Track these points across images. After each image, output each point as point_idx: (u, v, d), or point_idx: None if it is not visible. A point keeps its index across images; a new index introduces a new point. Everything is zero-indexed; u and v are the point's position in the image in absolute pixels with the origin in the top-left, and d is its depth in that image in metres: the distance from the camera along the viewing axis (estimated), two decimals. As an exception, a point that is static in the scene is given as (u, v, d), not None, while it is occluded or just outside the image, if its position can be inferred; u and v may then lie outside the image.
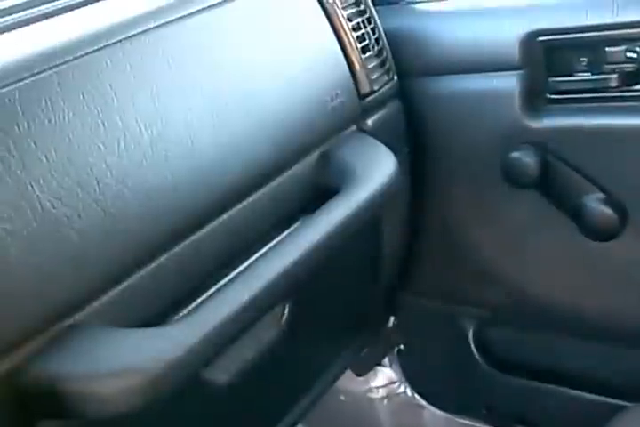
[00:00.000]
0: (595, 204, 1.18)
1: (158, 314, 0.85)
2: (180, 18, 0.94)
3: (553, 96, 1.20)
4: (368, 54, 1.18)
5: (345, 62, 1.14)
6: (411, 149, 1.28)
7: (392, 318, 1.45)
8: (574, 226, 1.20)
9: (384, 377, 1.54)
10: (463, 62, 1.23)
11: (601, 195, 1.18)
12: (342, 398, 1.56)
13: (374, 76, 1.19)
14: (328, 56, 1.13)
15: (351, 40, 1.16)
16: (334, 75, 1.12)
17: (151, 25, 0.90)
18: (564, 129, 1.18)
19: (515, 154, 1.20)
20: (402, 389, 1.53)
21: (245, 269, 0.91)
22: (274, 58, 1.04)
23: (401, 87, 1.25)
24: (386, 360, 1.52)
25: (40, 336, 0.74)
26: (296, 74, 1.07)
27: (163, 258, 0.86)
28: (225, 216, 0.94)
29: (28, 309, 0.73)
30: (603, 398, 1.29)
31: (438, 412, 1.49)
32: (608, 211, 1.17)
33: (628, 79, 1.15)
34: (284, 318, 1.10)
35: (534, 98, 1.20)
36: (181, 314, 0.87)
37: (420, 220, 1.33)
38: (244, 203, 0.97)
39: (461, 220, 1.30)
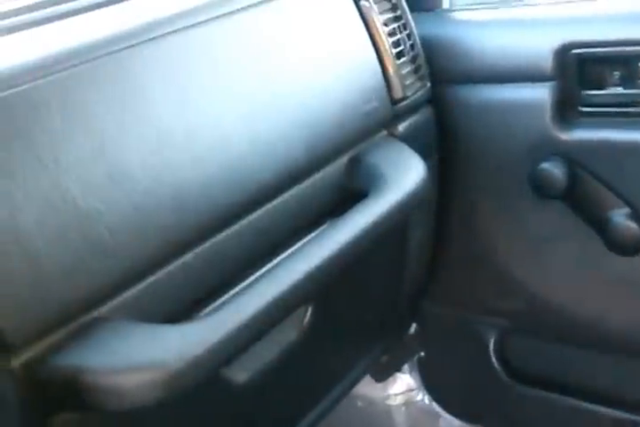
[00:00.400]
0: (621, 218, 1.17)
1: (182, 310, 0.85)
2: (219, 16, 0.95)
3: (585, 109, 1.20)
4: (402, 60, 1.19)
5: (379, 67, 1.14)
6: (440, 156, 1.28)
7: (413, 326, 1.45)
8: (599, 239, 1.20)
9: (403, 384, 1.54)
10: (496, 72, 1.24)
11: (627, 210, 1.17)
12: (359, 403, 1.56)
13: (407, 82, 1.19)
14: (363, 60, 1.13)
15: (386, 45, 1.16)
16: (368, 79, 1.13)
17: (188, 23, 0.91)
18: (594, 142, 1.18)
19: (543, 165, 1.20)
20: (420, 396, 1.53)
21: (270, 269, 0.91)
22: (309, 59, 1.05)
23: (433, 94, 1.26)
24: (405, 367, 1.52)
25: (63, 328, 0.74)
26: (330, 77, 1.08)
27: (190, 255, 0.86)
28: (253, 215, 0.95)
29: (53, 300, 0.73)
30: (624, 415, 1.29)
31: (455, 421, 1.49)
32: (634, 226, 1.17)
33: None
34: (305, 321, 1.10)
35: (566, 110, 1.20)
36: (205, 311, 0.87)
37: (445, 228, 1.33)
38: (273, 203, 0.98)
39: (487, 229, 1.30)
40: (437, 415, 1.52)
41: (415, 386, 1.53)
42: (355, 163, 1.10)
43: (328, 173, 1.06)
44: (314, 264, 0.90)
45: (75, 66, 0.80)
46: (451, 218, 1.32)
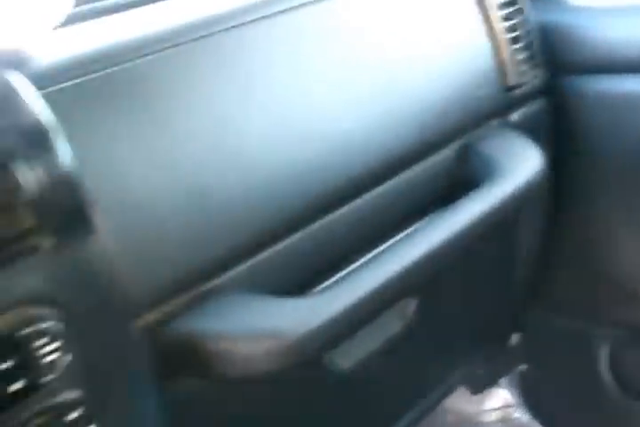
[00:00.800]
0: None
1: (295, 286, 0.84)
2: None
3: None
4: (517, 46, 1.11)
5: (493, 52, 1.07)
6: (554, 150, 1.19)
7: (516, 336, 1.35)
8: None
9: (499, 399, 1.45)
10: (617, 61, 1.15)
11: None
12: (450, 418, 1.46)
13: (522, 69, 1.12)
14: (476, 44, 1.07)
15: (501, 30, 1.09)
16: (481, 64, 1.07)
17: (279, 8, 0.87)
18: None
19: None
20: (518, 413, 1.43)
21: (378, 254, 0.89)
22: (421, 43, 1.00)
23: (549, 84, 1.17)
24: (503, 381, 1.42)
25: (183, 295, 0.74)
26: (442, 60, 1.02)
27: (299, 233, 0.85)
28: (361, 199, 0.91)
29: (175, 267, 0.74)
30: None
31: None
32: None
33: None
34: (410, 314, 1.04)
35: None
36: (319, 288, 0.86)
37: (558, 228, 1.24)
38: (380, 188, 0.94)
39: (605, 232, 1.20)
40: (537, 434, 1.41)
41: (513, 402, 1.43)
42: (467, 150, 1.04)
43: (439, 159, 1.01)
44: (421, 253, 0.87)
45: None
46: (565, 218, 1.23)
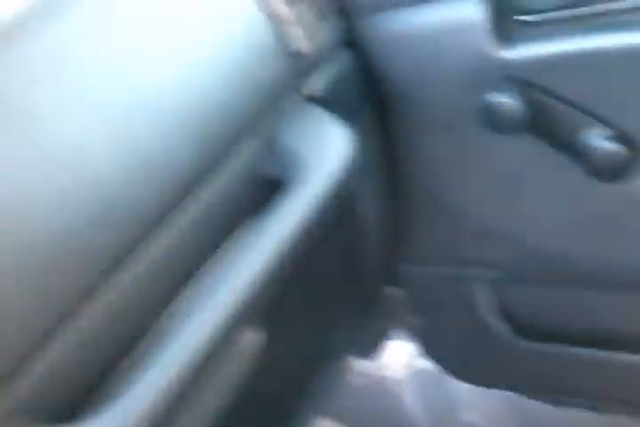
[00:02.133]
0: (597, 140, 0.98)
1: (77, 403, 0.68)
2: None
3: (525, 18, 1.00)
4: (298, 4, 0.98)
5: (267, 20, 0.92)
6: (373, 103, 1.09)
7: (393, 290, 1.28)
8: (576, 168, 1.02)
9: (401, 354, 1.39)
10: None
11: (602, 128, 0.98)
12: (359, 382, 1.41)
13: (311, 30, 0.98)
14: (242, 13, 0.90)
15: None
16: (255, 40, 0.90)
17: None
18: (546, 57, 0.98)
19: (494, 95, 1.00)
20: (422, 364, 1.38)
21: (187, 308, 0.74)
22: (168, 30, 0.83)
23: (348, 34, 1.05)
24: (404, 337, 1.37)
25: None
26: (202, 45, 0.85)
27: (58, 337, 0.66)
28: (152, 245, 0.75)
29: None
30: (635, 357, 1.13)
31: (464, 385, 1.34)
32: (614, 146, 0.98)
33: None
34: (251, 345, 0.91)
35: (504, 23, 1.00)
36: (100, 398, 0.69)
37: (400, 182, 1.15)
38: (175, 221, 0.78)
39: (447, 176, 1.12)
40: (445, 381, 1.37)
41: (415, 354, 1.38)
42: (265, 143, 0.90)
43: (236, 165, 0.86)
44: (241, 286, 0.74)
45: None
46: (406, 171, 1.14)
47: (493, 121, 1.02)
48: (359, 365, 1.38)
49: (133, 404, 0.64)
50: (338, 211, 0.99)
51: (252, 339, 0.90)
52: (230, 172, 0.86)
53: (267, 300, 0.81)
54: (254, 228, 0.82)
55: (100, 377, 0.70)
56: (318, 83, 1.00)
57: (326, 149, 0.89)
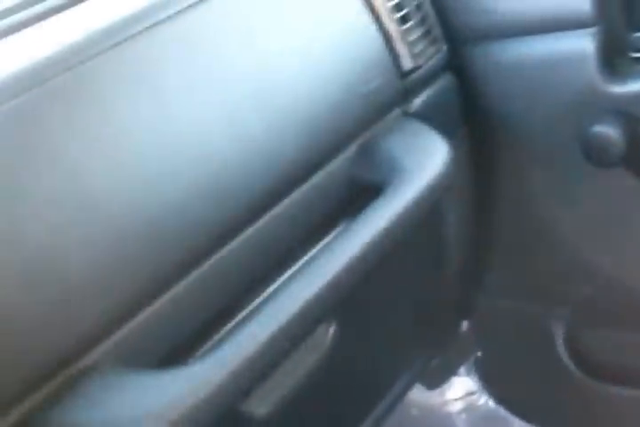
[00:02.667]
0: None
1: (178, 350, 0.75)
2: (180, 11, 0.80)
3: (636, 55, 1.00)
4: (409, 24, 1.00)
5: (381, 37, 0.96)
6: (470, 128, 1.09)
7: (465, 323, 1.27)
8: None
9: (461, 388, 1.37)
10: (525, 22, 1.04)
11: None
12: (414, 412, 1.39)
13: (418, 49, 1.00)
14: (360, 32, 0.96)
15: (386, 10, 0.97)
16: (368, 53, 0.95)
17: (145, 24, 0.77)
18: None
19: (596, 127, 1.00)
20: (482, 400, 1.36)
21: (279, 287, 0.80)
22: (294, 39, 0.89)
23: (453, 57, 1.07)
24: (462, 370, 1.35)
25: (46, 385, 0.66)
26: (321, 55, 0.91)
27: (180, 286, 0.74)
28: (252, 229, 0.81)
29: (31, 354, 0.65)
30: None
31: (524, 424, 1.31)
32: None
33: None
34: (328, 340, 0.94)
35: (614, 58, 1.00)
36: (206, 347, 0.77)
37: (489, 209, 1.14)
38: (275, 210, 0.83)
39: (539, 207, 1.11)
40: (505, 420, 1.34)
41: (476, 389, 1.36)
42: (366, 151, 0.93)
43: (335, 166, 0.91)
44: (327, 278, 0.78)
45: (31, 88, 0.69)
46: (494, 198, 1.14)
47: (594, 154, 1.02)
48: (420, 394, 1.36)
49: (231, 354, 0.70)
50: (425, 227, 1.01)
51: (329, 336, 0.94)
52: (332, 173, 0.90)
53: (349, 299, 0.84)
54: (349, 226, 0.85)
55: (197, 332, 0.77)
56: (420, 100, 1.02)
57: (425, 158, 0.92)
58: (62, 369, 0.67)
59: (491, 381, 1.32)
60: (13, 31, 0.77)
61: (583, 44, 1.00)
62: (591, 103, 1.01)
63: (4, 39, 0.75)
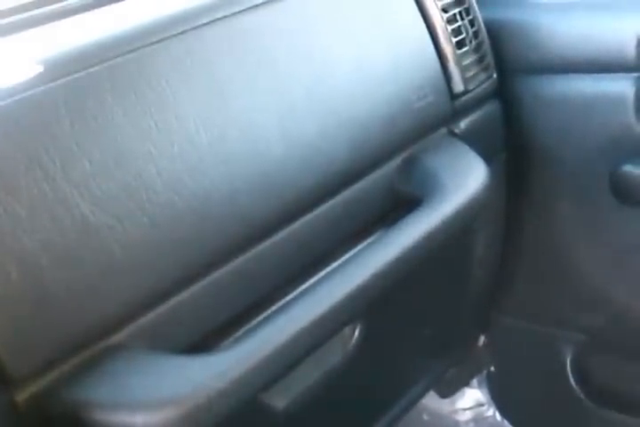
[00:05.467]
0: None
1: (206, 338, 0.77)
2: (247, 8, 0.85)
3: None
4: (464, 49, 1.07)
5: (437, 58, 1.03)
6: (509, 155, 1.16)
7: (482, 338, 1.33)
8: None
9: (471, 399, 1.43)
10: (572, 61, 1.11)
11: None
12: (425, 417, 1.45)
13: (470, 74, 1.07)
14: (418, 50, 1.02)
15: (446, 33, 1.05)
16: (424, 71, 1.01)
17: (212, 17, 0.82)
18: None
19: (626, 167, 1.06)
20: (490, 412, 1.42)
21: (309, 287, 0.82)
22: (356, 50, 0.95)
23: (500, 86, 1.13)
24: (474, 382, 1.41)
25: (72, 359, 0.67)
26: (380, 69, 0.96)
27: (215, 274, 0.78)
28: (292, 226, 0.85)
29: (60, 327, 0.66)
30: None
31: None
32: None
33: None
34: (352, 341, 1.00)
35: None
36: (234, 337, 0.79)
37: (516, 233, 1.21)
38: (315, 212, 0.88)
39: (563, 236, 1.17)
40: (507, 432, 1.40)
41: (485, 401, 1.42)
42: (409, 164, 0.99)
43: (378, 176, 0.96)
44: (362, 280, 0.81)
45: (88, 67, 0.72)
46: (523, 223, 1.20)
47: (622, 191, 1.08)
48: (432, 401, 1.42)
49: (258, 347, 0.72)
50: (457, 244, 1.07)
51: (354, 338, 0.99)
52: (375, 182, 0.96)
53: (377, 304, 0.88)
54: (385, 234, 0.90)
55: (226, 321, 0.79)
56: (465, 122, 1.08)
57: (464, 177, 0.97)
58: (88, 346, 0.68)
59: (500, 395, 1.38)
60: (85, 10, 0.81)
61: (624, 86, 1.06)
62: (625, 143, 1.07)
63: (75, 16, 0.80)
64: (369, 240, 0.94)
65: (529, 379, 1.32)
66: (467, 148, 1.03)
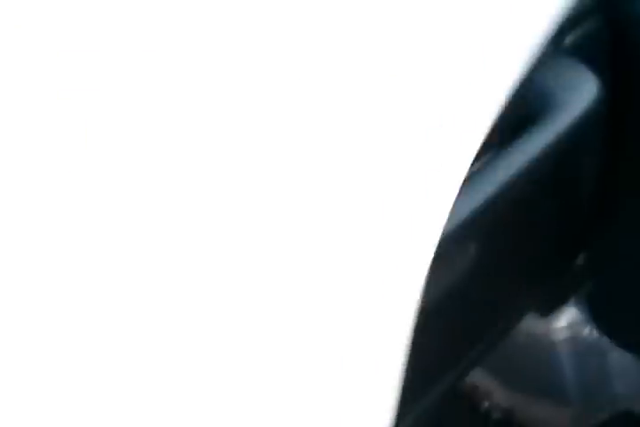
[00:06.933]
0: None
1: None
2: None
3: None
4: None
5: None
6: (613, 74, 1.14)
7: (582, 254, 1.34)
8: None
9: (568, 317, 1.45)
10: None
11: None
12: (520, 339, 1.47)
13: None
14: None
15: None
16: None
17: None
18: None
19: None
20: (587, 330, 1.44)
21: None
22: None
23: (605, 1, 1.12)
24: (572, 300, 1.42)
25: None
26: None
27: None
28: None
29: None
30: None
31: (627, 356, 1.39)
32: None
33: None
34: (468, 259, 1.01)
35: None
36: None
37: (626, 153, 1.20)
38: None
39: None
40: (608, 350, 1.42)
41: (582, 319, 1.43)
42: (522, 86, 0.98)
43: None
44: (479, 201, 0.84)
45: None
46: (630, 144, 1.19)
47: None
48: (525, 322, 1.44)
49: None
50: (569, 158, 1.07)
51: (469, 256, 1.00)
52: None
53: (491, 223, 0.90)
54: (501, 153, 0.92)
55: None
56: (571, 38, 1.07)
57: (577, 91, 0.98)
58: None
59: (598, 312, 1.39)
60: None
61: None
62: None
63: None
64: (482, 161, 0.93)
65: (629, 293, 1.33)
66: (576, 63, 1.02)
